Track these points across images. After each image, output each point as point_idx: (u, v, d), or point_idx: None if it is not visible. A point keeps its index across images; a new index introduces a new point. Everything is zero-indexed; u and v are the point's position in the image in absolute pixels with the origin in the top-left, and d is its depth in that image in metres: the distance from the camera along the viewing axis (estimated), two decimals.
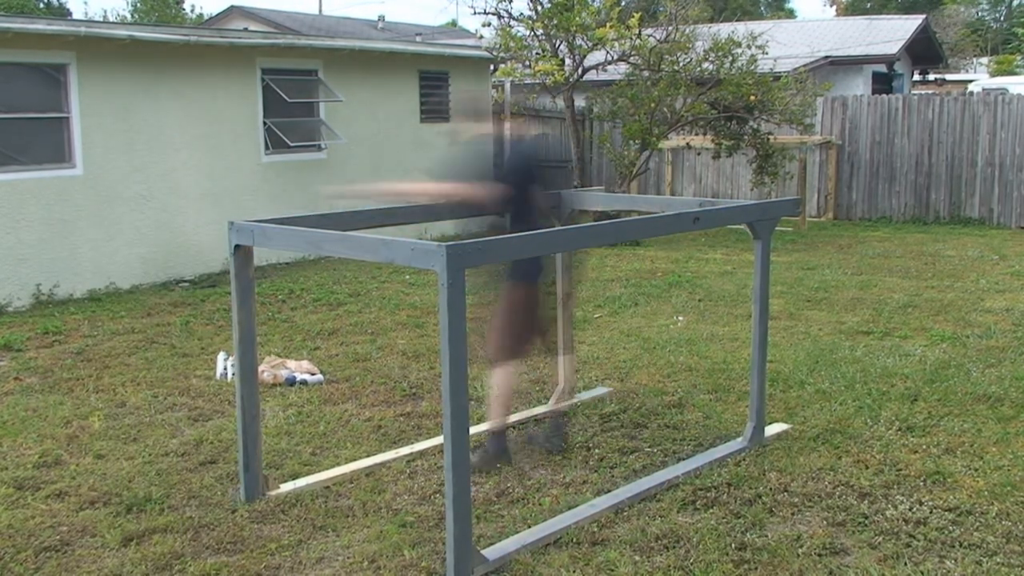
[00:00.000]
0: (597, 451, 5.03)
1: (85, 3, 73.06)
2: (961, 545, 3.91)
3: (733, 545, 3.92)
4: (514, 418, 5.48)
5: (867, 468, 4.71)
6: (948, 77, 29.54)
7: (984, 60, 39.75)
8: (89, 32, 9.50)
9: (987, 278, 9.87)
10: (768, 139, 13.08)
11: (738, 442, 5.01)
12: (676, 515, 4.23)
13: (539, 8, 12.72)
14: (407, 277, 10.13)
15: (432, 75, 13.71)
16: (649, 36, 12.93)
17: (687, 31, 12.86)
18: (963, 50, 40.04)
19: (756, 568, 3.75)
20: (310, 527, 4.17)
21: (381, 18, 32.65)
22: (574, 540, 3.98)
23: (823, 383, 6.14)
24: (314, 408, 5.83)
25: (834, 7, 50.80)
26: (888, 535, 4.01)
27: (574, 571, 3.75)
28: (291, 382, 6.27)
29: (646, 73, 12.79)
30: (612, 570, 3.75)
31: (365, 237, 3.99)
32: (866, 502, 4.32)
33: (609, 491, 4.46)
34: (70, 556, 3.93)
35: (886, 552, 3.86)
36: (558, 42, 12.81)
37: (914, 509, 4.23)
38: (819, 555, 3.85)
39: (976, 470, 4.68)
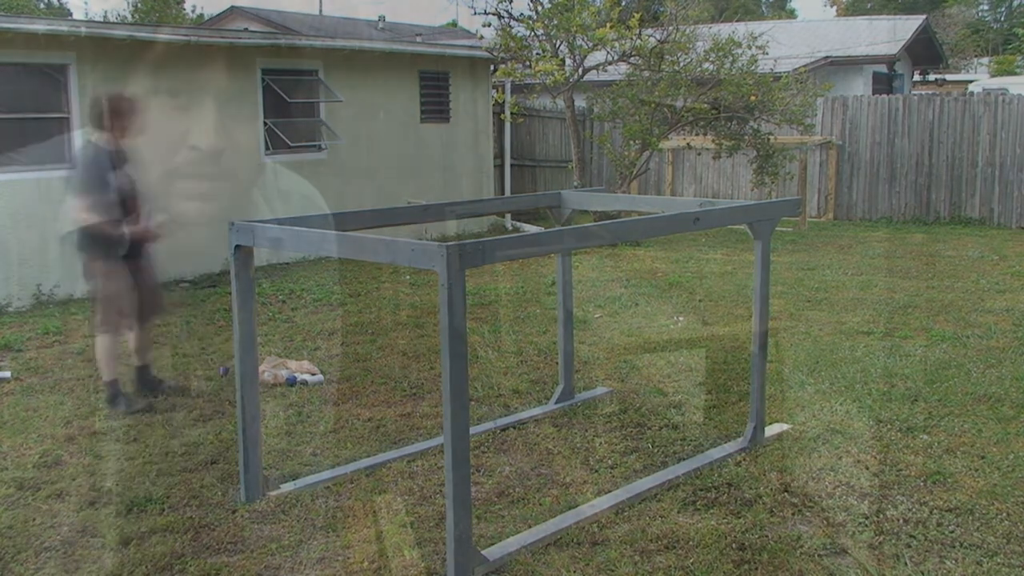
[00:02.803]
0: (597, 451, 5.03)
1: (85, 3, 73.01)
2: (961, 545, 3.91)
3: (733, 545, 3.92)
4: (513, 419, 5.49)
5: (867, 468, 4.71)
6: (948, 77, 29.53)
7: (984, 60, 39.73)
8: (89, 32, 9.50)
9: (987, 278, 9.86)
10: (768, 139, 13.06)
11: (738, 442, 5.01)
12: (676, 515, 4.23)
13: (539, 8, 12.72)
14: (407, 277, 10.13)
15: (432, 75, 13.70)
16: (649, 36, 12.92)
17: (687, 31, 12.86)
18: (963, 50, 40.05)
19: (756, 568, 3.75)
20: (310, 527, 4.17)
21: (381, 18, 32.64)
22: (574, 540, 3.98)
23: (823, 383, 6.14)
24: (314, 408, 5.83)
25: (834, 7, 50.84)
26: (888, 535, 4.00)
27: (574, 571, 3.75)
28: (291, 382, 6.27)
29: (646, 73, 12.78)
30: (612, 570, 3.75)
31: (365, 237, 3.99)
32: (866, 502, 4.32)
33: (609, 491, 4.46)
34: (70, 556, 3.93)
35: (886, 552, 3.86)
36: (558, 42, 12.80)
37: (914, 509, 4.23)
38: (819, 555, 3.84)
39: (976, 470, 4.68)
